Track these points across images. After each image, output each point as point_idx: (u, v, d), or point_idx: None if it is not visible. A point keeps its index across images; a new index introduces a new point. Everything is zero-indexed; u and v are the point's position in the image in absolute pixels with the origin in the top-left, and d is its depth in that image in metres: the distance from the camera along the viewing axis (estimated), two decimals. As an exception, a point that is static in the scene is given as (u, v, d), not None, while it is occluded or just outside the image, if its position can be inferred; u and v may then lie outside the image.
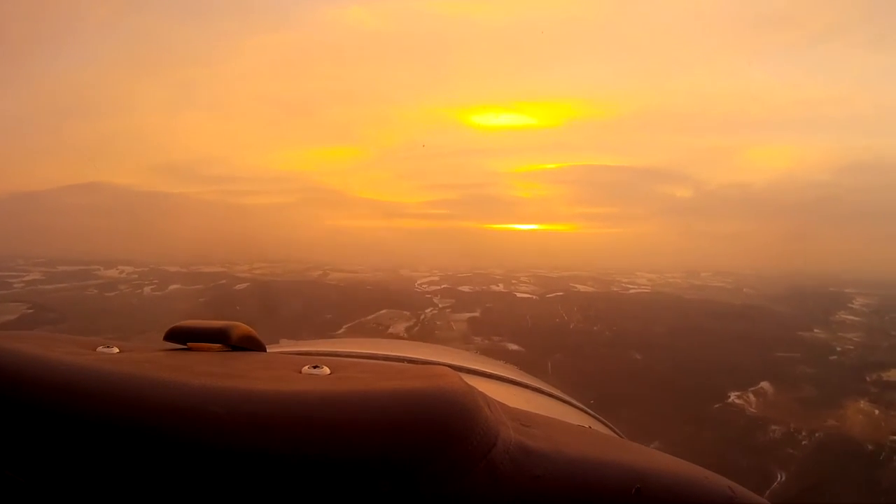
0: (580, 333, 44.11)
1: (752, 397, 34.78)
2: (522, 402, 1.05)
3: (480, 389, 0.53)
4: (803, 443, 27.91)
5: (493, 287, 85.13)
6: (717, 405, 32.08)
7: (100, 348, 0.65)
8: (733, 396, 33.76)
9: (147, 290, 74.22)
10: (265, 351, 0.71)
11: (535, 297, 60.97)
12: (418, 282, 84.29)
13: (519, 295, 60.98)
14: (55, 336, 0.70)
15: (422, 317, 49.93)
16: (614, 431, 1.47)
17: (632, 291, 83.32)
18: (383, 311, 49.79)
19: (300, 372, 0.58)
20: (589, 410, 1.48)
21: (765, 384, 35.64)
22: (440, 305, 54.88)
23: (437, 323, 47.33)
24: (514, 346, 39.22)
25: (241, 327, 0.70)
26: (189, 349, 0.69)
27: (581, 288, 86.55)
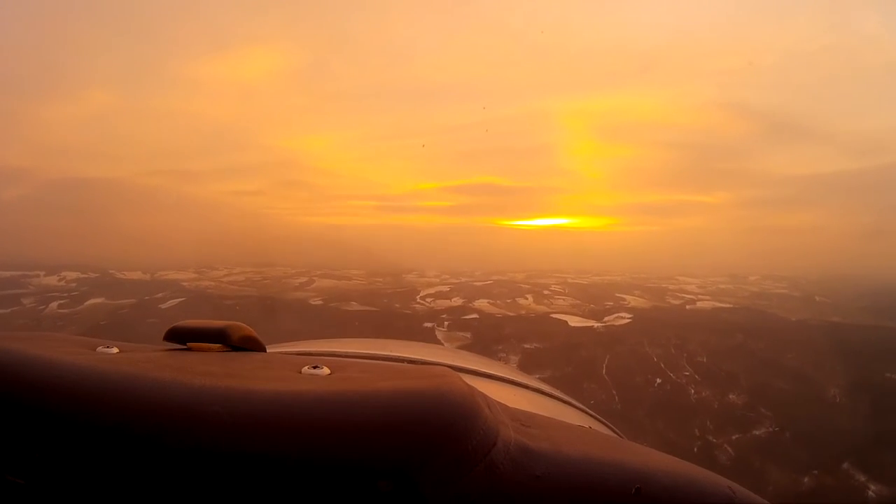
0: (727, 420, 24.35)
1: None
2: (522, 402, 1.06)
3: (480, 389, 0.54)
4: None
5: (522, 301, 65.11)
6: None
7: (100, 348, 0.65)
8: None
9: (54, 305, 58.01)
10: (265, 351, 0.72)
11: (594, 324, 40.85)
12: (422, 293, 64.88)
13: (571, 323, 40.61)
14: (55, 336, 0.71)
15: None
16: (614, 431, 1.45)
17: (700, 305, 64.74)
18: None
19: (300, 372, 0.58)
20: (589, 410, 1.48)
21: None
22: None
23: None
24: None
25: (241, 327, 0.70)
26: (189, 349, 0.69)
27: (632, 301, 67.98)
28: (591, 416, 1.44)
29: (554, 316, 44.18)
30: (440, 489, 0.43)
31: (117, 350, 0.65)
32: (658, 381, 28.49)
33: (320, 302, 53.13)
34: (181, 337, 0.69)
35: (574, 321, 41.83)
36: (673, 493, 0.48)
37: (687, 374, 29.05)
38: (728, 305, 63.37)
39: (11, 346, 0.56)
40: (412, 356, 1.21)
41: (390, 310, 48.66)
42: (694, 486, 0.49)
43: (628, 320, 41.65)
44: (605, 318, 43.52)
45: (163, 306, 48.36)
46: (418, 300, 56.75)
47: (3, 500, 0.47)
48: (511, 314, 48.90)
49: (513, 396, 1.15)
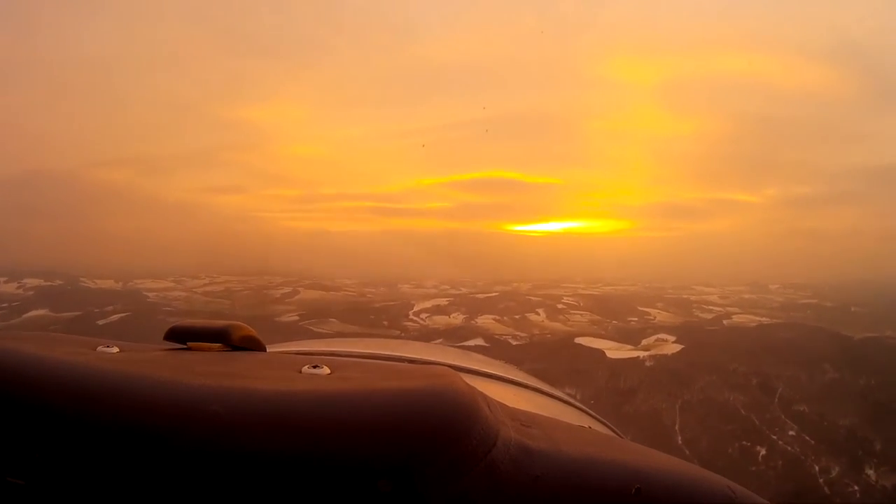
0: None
1: None
2: (522, 402, 1.08)
3: (480, 389, 0.54)
4: None
5: (533, 317, 55.49)
6: None
7: (100, 348, 0.66)
8: None
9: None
10: (265, 351, 0.72)
11: (637, 353, 32.25)
12: (417, 307, 54.93)
13: (608, 354, 31.94)
14: (55, 336, 0.71)
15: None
16: (614, 431, 1.46)
17: (737, 320, 56.57)
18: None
19: (300, 372, 0.58)
20: (589, 410, 1.49)
21: None
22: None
23: None
24: None
25: (241, 327, 0.70)
26: (189, 349, 0.70)
27: (658, 316, 59.36)
28: (591, 416, 1.44)
29: (581, 342, 35.64)
30: (440, 489, 0.43)
31: (117, 350, 0.65)
32: (762, 452, 19.88)
33: (295, 318, 44.90)
34: (181, 336, 0.69)
35: (610, 349, 33.36)
36: (673, 493, 0.48)
37: (793, 434, 20.54)
38: (766, 320, 55.56)
39: (11, 346, 0.56)
40: (412, 356, 1.23)
41: (375, 330, 40.41)
42: (694, 486, 0.50)
43: (676, 347, 33.21)
44: (644, 342, 35.16)
45: (100, 322, 40.32)
46: (411, 316, 48.41)
47: (3, 500, 0.47)
48: (523, 335, 40.65)
49: (513, 396, 1.15)
